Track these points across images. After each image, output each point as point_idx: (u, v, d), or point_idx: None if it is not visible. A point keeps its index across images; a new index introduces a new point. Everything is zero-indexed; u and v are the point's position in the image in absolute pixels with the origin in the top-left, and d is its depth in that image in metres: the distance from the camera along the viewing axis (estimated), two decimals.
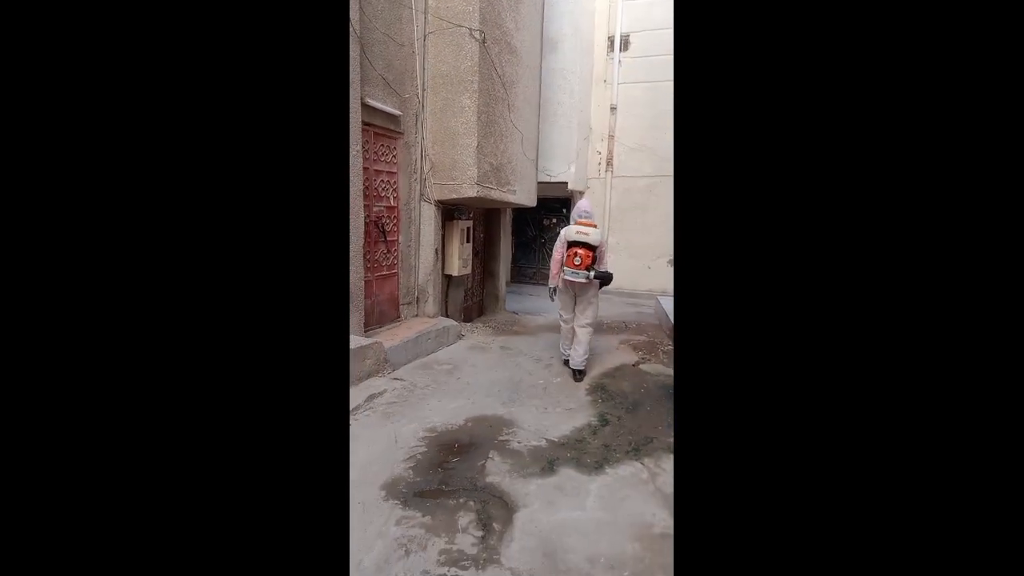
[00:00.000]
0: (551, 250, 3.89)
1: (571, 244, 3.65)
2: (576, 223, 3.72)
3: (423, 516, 2.05)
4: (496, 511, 2.10)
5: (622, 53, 8.06)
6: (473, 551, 1.85)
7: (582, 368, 3.87)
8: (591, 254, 3.60)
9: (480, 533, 1.95)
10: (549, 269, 4.07)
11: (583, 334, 3.83)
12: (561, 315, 4.02)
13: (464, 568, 1.75)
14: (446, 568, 1.75)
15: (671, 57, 7.69)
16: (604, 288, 3.92)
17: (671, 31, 7.67)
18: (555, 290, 3.95)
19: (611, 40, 8.13)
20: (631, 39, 8.08)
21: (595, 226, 3.71)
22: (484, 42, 4.42)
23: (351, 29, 3.46)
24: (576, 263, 3.59)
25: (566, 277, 3.67)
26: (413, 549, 1.84)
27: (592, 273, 3.62)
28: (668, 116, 7.77)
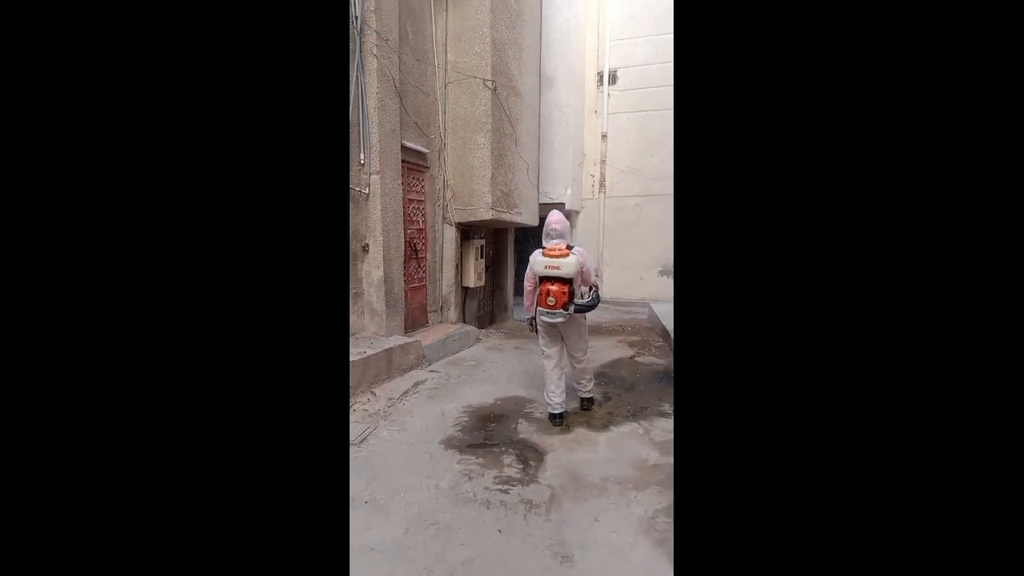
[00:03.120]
0: None
1: (542, 279, 3.06)
2: (545, 252, 3.04)
3: (477, 458, 2.75)
4: (530, 454, 2.81)
5: (611, 87, 8.98)
6: (518, 476, 2.55)
7: (590, 395, 3.46)
8: (567, 288, 2.98)
9: (521, 466, 2.66)
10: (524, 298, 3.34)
11: (583, 373, 3.39)
12: (543, 351, 3.28)
13: (513, 485, 2.46)
14: (501, 485, 2.45)
15: (654, 89, 8.62)
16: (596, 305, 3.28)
17: (654, 67, 8.62)
18: (531, 321, 3.31)
19: (600, 75, 9.05)
20: (618, 74, 9.01)
21: (567, 252, 2.99)
22: (495, 90, 5.25)
23: (393, 85, 4.27)
24: (550, 303, 2.97)
25: (542, 318, 3.09)
26: (474, 476, 2.54)
27: (572, 308, 3.01)
28: (654, 142, 8.66)
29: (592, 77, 9.13)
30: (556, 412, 3.24)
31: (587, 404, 3.50)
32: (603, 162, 9.14)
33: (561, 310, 2.99)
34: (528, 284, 3.22)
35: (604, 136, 9.07)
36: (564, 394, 3.27)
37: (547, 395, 3.29)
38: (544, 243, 3.14)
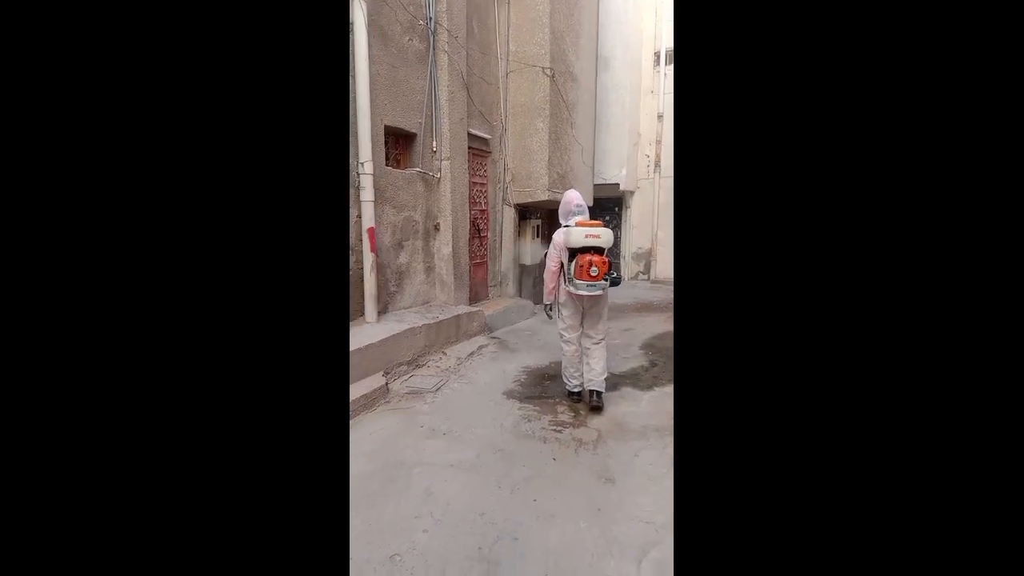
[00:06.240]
0: None
1: (580, 251, 2.95)
2: (579, 224, 3.00)
3: (534, 406, 3.21)
4: (580, 406, 3.23)
5: (667, 67, 8.97)
6: (570, 421, 2.99)
7: (601, 388, 3.16)
8: (607, 259, 2.95)
9: (572, 414, 3.09)
10: (544, 285, 3.29)
11: (598, 352, 3.17)
12: (564, 335, 3.25)
13: (566, 427, 2.90)
14: (555, 427, 2.90)
15: None
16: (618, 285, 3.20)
17: None
18: (549, 307, 3.35)
19: (657, 55, 9.05)
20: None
21: (602, 223, 3.05)
22: (553, 76, 5.56)
23: (461, 77, 4.70)
24: (592, 274, 2.89)
25: (580, 292, 2.95)
26: (532, 419, 3.01)
27: (609, 281, 3.00)
28: None
29: (649, 57, 9.14)
30: (574, 391, 3.32)
31: (596, 399, 3.13)
32: (658, 142, 9.20)
33: (602, 281, 2.94)
34: (553, 265, 3.10)
35: (660, 116, 9.11)
36: (582, 376, 3.29)
37: (567, 377, 3.32)
38: (566, 221, 3.10)
